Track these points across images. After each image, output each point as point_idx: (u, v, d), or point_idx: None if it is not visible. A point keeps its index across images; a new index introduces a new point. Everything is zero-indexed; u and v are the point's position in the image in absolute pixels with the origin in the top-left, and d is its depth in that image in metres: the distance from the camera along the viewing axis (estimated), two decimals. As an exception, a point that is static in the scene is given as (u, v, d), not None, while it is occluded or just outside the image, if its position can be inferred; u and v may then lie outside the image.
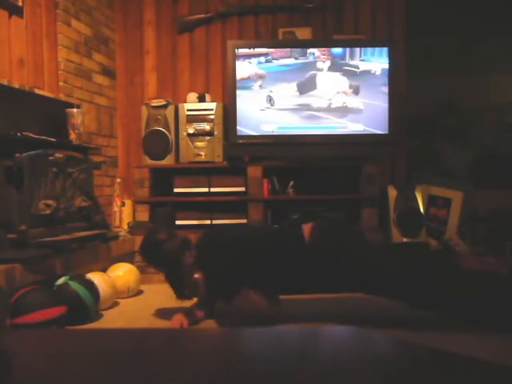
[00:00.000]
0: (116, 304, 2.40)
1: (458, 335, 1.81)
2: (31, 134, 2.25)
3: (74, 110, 2.62)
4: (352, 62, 3.13)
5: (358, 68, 3.12)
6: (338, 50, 3.14)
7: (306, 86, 3.13)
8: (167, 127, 3.26)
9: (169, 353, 0.65)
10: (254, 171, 3.15)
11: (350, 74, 3.12)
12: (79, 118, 2.61)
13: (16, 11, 2.46)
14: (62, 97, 2.80)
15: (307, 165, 3.23)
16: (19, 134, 2.14)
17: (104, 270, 2.50)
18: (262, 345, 0.68)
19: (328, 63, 3.12)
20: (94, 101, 3.19)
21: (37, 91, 2.56)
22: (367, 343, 0.67)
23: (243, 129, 3.13)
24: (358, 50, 3.13)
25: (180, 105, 3.31)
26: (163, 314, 2.27)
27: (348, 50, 3.13)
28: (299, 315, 2.16)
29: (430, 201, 3.27)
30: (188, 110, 3.27)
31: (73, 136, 2.60)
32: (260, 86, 3.13)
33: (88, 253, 2.47)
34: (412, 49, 3.46)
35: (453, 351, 0.65)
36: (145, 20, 3.59)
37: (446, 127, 3.75)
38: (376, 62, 3.12)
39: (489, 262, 2.72)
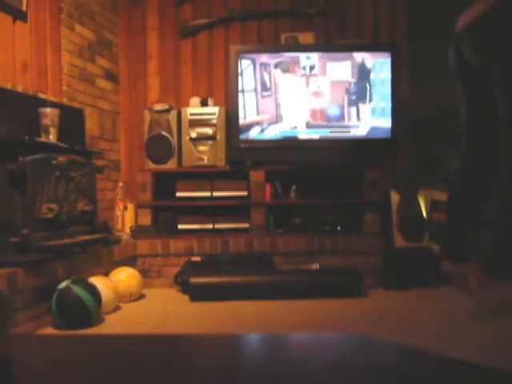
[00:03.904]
0: (118, 308, 2.40)
1: (463, 340, 1.80)
2: (36, 138, 2.26)
3: (48, 109, 2.48)
4: (355, 67, 3.13)
5: (360, 73, 3.13)
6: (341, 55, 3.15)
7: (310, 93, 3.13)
8: (170, 131, 3.27)
9: (172, 359, 0.65)
10: (257, 175, 3.15)
11: (353, 79, 3.13)
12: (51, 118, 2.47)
13: (20, 16, 2.47)
14: (65, 101, 2.81)
15: (310, 169, 3.23)
16: (27, 138, 2.15)
17: (106, 274, 2.49)
18: (268, 351, 0.67)
19: (331, 68, 3.13)
20: (97, 105, 3.20)
21: (40, 95, 2.56)
22: (374, 350, 0.67)
23: (245, 133, 3.13)
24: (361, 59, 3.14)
25: (183, 109, 3.32)
26: (166, 318, 2.26)
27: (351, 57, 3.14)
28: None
29: (433, 205, 3.26)
30: (191, 115, 3.27)
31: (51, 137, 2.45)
32: (263, 90, 3.13)
33: (90, 257, 2.47)
34: (414, 52, 3.46)
35: (459, 358, 0.64)
36: (148, 25, 3.60)
37: (449, 131, 3.74)
38: (379, 66, 3.12)
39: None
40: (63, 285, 2.06)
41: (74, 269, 2.27)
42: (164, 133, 3.27)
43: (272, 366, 0.61)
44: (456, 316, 2.10)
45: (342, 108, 3.13)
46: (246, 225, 3.15)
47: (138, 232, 3.11)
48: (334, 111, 3.14)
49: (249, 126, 3.12)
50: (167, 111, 3.28)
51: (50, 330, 2.05)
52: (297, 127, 3.14)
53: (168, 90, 3.60)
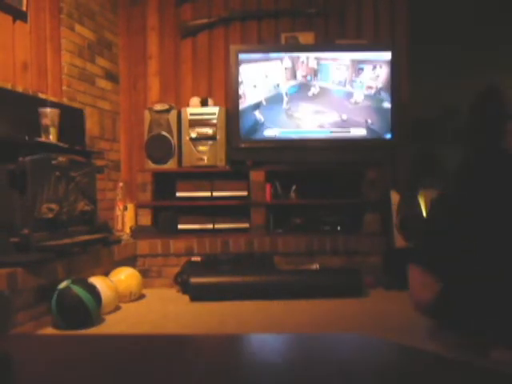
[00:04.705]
0: (118, 308, 2.40)
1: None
2: (36, 138, 2.26)
3: (48, 109, 2.48)
4: (356, 66, 3.13)
5: (361, 72, 3.13)
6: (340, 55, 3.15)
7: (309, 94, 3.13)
8: (170, 131, 3.27)
9: (172, 359, 0.65)
10: (257, 175, 3.15)
11: (353, 79, 3.13)
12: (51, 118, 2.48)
13: (20, 16, 2.47)
14: (65, 101, 2.81)
15: (310, 169, 3.23)
16: (27, 138, 2.15)
17: (106, 274, 2.49)
18: (268, 351, 0.67)
19: (331, 69, 3.13)
20: (97, 105, 3.20)
21: (40, 95, 2.56)
22: (374, 350, 0.67)
23: (246, 133, 3.13)
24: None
25: (183, 109, 3.32)
26: (166, 318, 2.26)
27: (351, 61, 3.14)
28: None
29: (433, 205, 3.26)
30: (191, 115, 3.27)
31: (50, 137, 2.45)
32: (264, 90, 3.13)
33: (90, 257, 2.47)
34: (414, 52, 3.46)
35: (454, 357, 0.64)
36: (148, 25, 3.60)
37: (449, 131, 3.74)
38: (379, 66, 3.13)
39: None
40: (63, 285, 2.06)
41: (74, 269, 2.27)
42: (164, 133, 3.27)
43: (272, 366, 0.61)
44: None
45: (342, 107, 3.13)
46: (246, 225, 3.15)
47: (138, 232, 3.11)
48: (334, 110, 3.14)
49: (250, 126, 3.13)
50: (167, 111, 3.28)
51: (50, 330, 2.05)
52: (297, 128, 3.14)
53: (168, 90, 3.60)
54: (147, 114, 3.31)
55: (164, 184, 3.30)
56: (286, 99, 3.13)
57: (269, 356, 0.66)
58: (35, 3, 2.59)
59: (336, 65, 3.13)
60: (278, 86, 3.13)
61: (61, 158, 2.33)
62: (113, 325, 2.14)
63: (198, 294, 2.56)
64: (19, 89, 2.40)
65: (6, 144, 2.07)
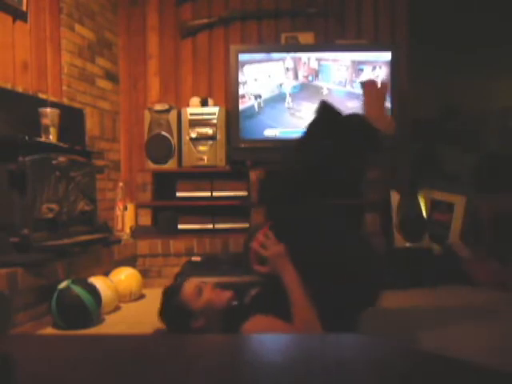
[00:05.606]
0: (118, 308, 2.40)
1: (463, 340, 1.80)
2: (36, 138, 2.26)
3: (48, 109, 2.48)
4: (356, 67, 3.13)
5: (361, 73, 3.13)
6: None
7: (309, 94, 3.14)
8: (170, 131, 3.27)
9: (172, 359, 0.65)
10: (257, 175, 3.15)
11: (353, 79, 3.13)
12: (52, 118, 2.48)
13: (20, 16, 2.47)
14: (65, 101, 2.81)
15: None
16: (27, 138, 2.15)
17: (106, 274, 2.49)
18: (268, 352, 0.67)
19: (331, 69, 3.13)
20: (97, 105, 3.20)
21: (40, 95, 2.56)
22: (373, 350, 0.67)
23: (246, 133, 3.13)
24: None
25: (183, 109, 3.32)
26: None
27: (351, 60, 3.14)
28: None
29: (433, 205, 3.27)
30: (191, 115, 3.27)
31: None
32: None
33: (90, 257, 2.47)
34: (415, 52, 3.46)
35: (454, 356, 0.64)
36: (148, 25, 3.60)
37: (449, 131, 3.74)
38: (379, 66, 3.13)
39: (492, 267, 2.70)
40: (63, 285, 2.06)
41: (73, 269, 2.27)
42: (164, 133, 3.27)
43: (272, 366, 0.61)
44: (455, 315, 2.10)
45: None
46: (246, 225, 3.15)
47: (138, 232, 3.11)
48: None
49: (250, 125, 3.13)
50: (167, 111, 3.28)
51: (50, 330, 2.05)
52: (297, 128, 3.14)
53: (168, 90, 3.60)
54: (147, 114, 3.31)
55: (164, 184, 3.30)
56: (288, 99, 3.13)
57: (269, 356, 0.66)
58: (35, 3, 2.59)
59: (337, 65, 3.14)
60: (280, 85, 3.14)
61: (61, 158, 2.33)
62: (113, 325, 2.14)
63: (197, 294, 2.56)
64: (19, 89, 2.40)
65: (6, 144, 2.07)
